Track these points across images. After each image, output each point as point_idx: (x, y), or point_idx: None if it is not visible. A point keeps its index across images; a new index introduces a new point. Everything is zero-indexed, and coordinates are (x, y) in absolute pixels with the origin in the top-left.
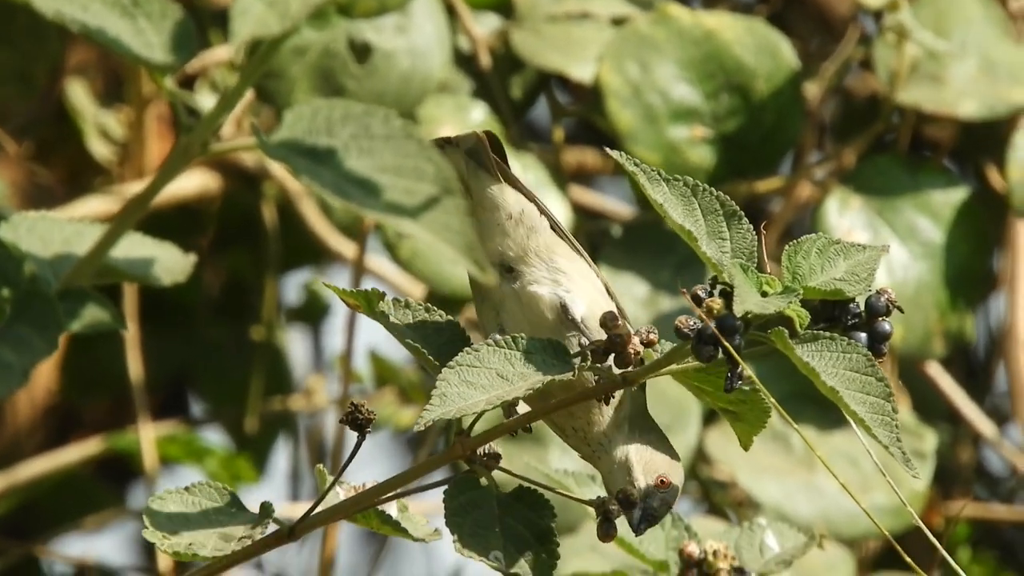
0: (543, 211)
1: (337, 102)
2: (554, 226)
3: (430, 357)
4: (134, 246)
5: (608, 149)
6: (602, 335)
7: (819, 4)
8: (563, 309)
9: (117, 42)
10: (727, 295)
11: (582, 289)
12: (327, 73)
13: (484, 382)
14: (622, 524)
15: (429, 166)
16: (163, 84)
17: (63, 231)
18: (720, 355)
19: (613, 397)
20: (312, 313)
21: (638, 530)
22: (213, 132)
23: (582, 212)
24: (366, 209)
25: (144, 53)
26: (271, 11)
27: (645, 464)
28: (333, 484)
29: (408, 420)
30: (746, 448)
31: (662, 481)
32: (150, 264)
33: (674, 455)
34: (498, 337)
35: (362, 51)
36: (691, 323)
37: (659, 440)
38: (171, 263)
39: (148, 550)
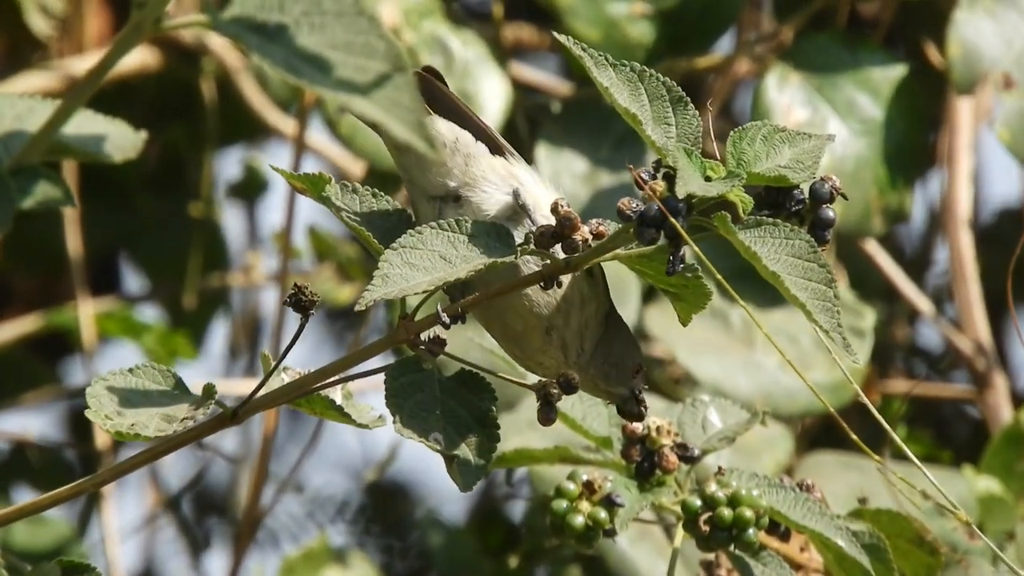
0: (484, 135)
1: None
2: (497, 148)
3: (375, 241)
4: (85, 123)
5: (555, 33)
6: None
7: None
8: (514, 195)
9: None
10: (670, 178)
11: (536, 184)
12: None
13: (427, 264)
14: (566, 403)
15: (380, 43)
16: None
17: (14, 107)
18: (662, 238)
19: (558, 285)
20: (250, 189)
21: (641, 415)
22: (165, 8)
23: (521, 88)
24: (317, 86)
25: None
26: None
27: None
28: (276, 366)
29: (346, 296)
30: (685, 324)
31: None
32: (101, 141)
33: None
34: (442, 221)
35: None
36: (634, 205)
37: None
38: (121, 140)
39: (86, 427)
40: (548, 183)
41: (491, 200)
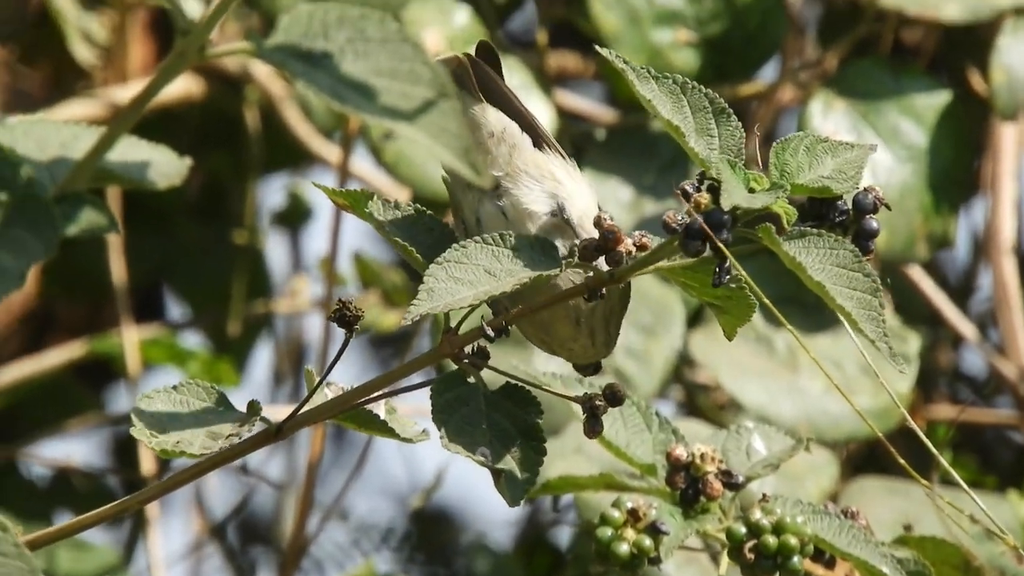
0: (529, 126)
1: (332, 5)
2: (540, 140)
3: (418, 255)
4: (129, 150)
5: (598, 47)
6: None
7: None
8: (560, 209)
9: None
10: (715, 190)
11: (578, 193)
12: None
13: (471, 278)
14: (610, 429)
15: (425, 69)
16: None
17: (59, 134)
18: (707, 250)
19: (601, 296)
20: (293, 216)
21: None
22: (209, 36)
23: (565, 116)
24: (363, 112)
25: None
26: None
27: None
28: (321, 382)
29: (391, 323)
30: (730, 338)
31: None
32: (145, 168)
33: None
34: (486, 235)
35: None
36: (679, 218)
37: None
38: (166, 167)
39: (130, 453)
40: (587, 182)
41: (531, 196)
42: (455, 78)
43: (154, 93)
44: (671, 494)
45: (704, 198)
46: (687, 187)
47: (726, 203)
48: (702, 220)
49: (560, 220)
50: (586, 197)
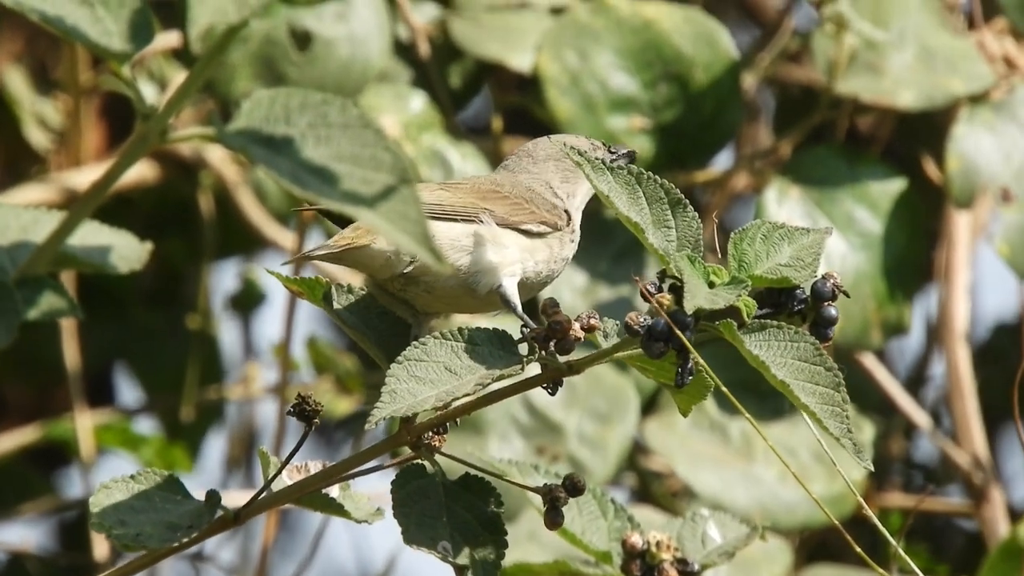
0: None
1: (295, 90)
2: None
3: (373, 344)
4: (90, 234)
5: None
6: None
7: None
8: (504, 303)
9: (75, 30)
10: (676, 289)
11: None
12: (268, 60)
13: (432, 376)
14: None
15: (386, 155)
16: (121, 72)
17: (19, 219)
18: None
19: (560, 385)
20: (247, 301)
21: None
22: (169, 120)
23: None
24: (323, 198)
25: (103, 41)
26: (230, 0)
27: None
28: (280, 471)
29: (344, 408)
30: (685, 415)
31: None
32: (107, 252)
33: None
34: (445, 331)
35: (303, 39)
36: (641, 320)
37: None
38: (127, 251)
39: (84, 538)
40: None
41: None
42: None
43: (116, 177)
44: None
45: (666, 299)
46: (648, 287)
47: (689, 306)
48: (665, 322)
49: (506, 308)
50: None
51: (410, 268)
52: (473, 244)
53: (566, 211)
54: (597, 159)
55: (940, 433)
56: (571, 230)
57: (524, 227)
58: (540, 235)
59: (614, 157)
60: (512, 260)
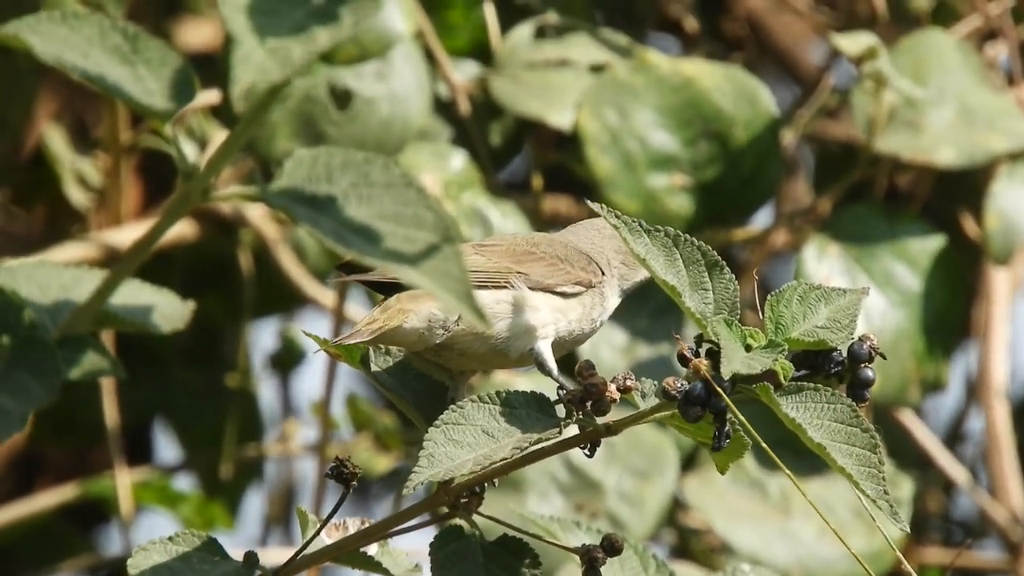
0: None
1: (336, 150)
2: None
3: (413, 408)
4: (131, 293)
5: (590, 202)
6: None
7: (789, 53)
8: (539, 367)
9: (117, 88)
10: (713, 353)
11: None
12: (308, 119)
13: (470, 440)
14: (606, 571)
15: (428, 214)
16: (162, 130)
17: (60, 278)
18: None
19: (598, 446)
20: (286, 360)
21: None
22: (211, 179)
23: None
24: (367, 257)
25: (144, 99)
26: (272, 58)
27: None
28: (320, 530)
29: (383, 465)
30: (723, 472)
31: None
32: (148, 311)
33: None
34: (482, 394)
35: (343, 97)
36: (678, 385)
37: None
38: (169, 310)
39: None
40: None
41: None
42: None
43: (159, 236)
44: None
45: (703, 364)
46: (685, 352)
47: (726, 371)
48: (702, 387)
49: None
50: (547, 318)
51: (443, 338)
52: (505, 310)
53: (598, 265)
54: (634, 221)
55: (978, 489)
56: (605, 283)
57: (558, 289)
58: (575, 295)
59: None
60: (545, 322)
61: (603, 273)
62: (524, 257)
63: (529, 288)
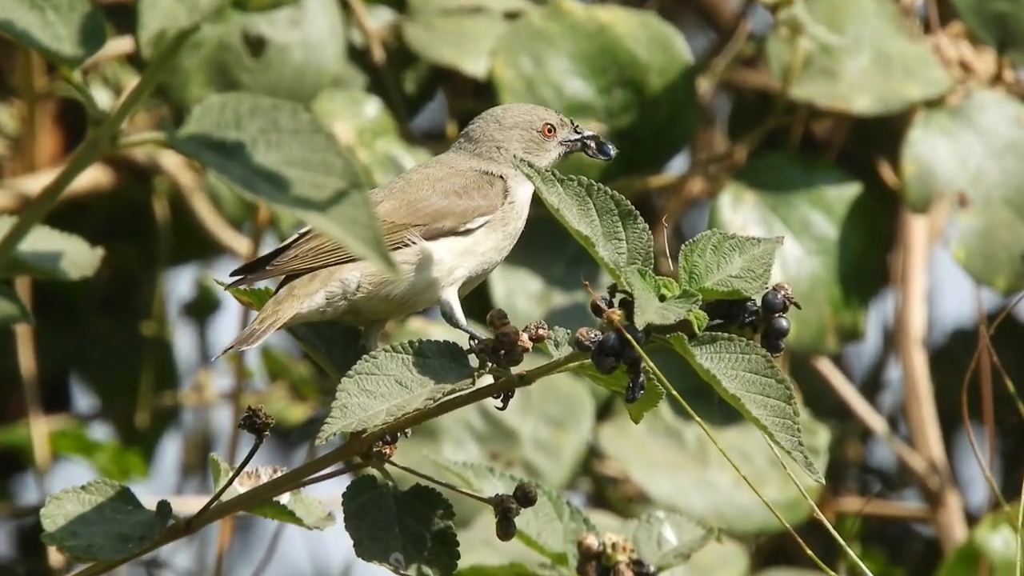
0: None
1: (245, 96)
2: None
3: (326, 358)
4: (41, 240)
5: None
6: None
7: (706, 1)
8: (447, 319)
9: (26, 34)
10: (627, 303)
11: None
12: (222, 66)
13: (383, 390)
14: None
15: (337, 160)
16: (72, 77)
17: None
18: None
19: (510, 395)
20: (202, 308)
21: None
22: (121, 126)
23: None
24: (275, 203)
25: (54, 45)
26: (180, 4)
27: None
28: (232, 480)
29: (298, 415)
30: (636, 422)
31: None
32: (58, 258)
33: None
34: (395, 343)
35: (256, 45)
36: (592, 335)
37: None
38: (79, 257)
39: (38, 544)
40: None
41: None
42: None
43: (67, 183)
44: None
45: (616, 314)
46: (599, 302)
47: (640, 322)
48: (616, 337)
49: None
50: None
51: (346, 308)
52: (406, 269)
53: (502, 178)
54: (547, 171)
55: (896, 438)
56: (510, 192)
57: (460, 230)
58: (480, 228)
59: (577, 138)
60: (449, 270)
61: (505, 181)
62: (421, 205)
63: (428, 240)
